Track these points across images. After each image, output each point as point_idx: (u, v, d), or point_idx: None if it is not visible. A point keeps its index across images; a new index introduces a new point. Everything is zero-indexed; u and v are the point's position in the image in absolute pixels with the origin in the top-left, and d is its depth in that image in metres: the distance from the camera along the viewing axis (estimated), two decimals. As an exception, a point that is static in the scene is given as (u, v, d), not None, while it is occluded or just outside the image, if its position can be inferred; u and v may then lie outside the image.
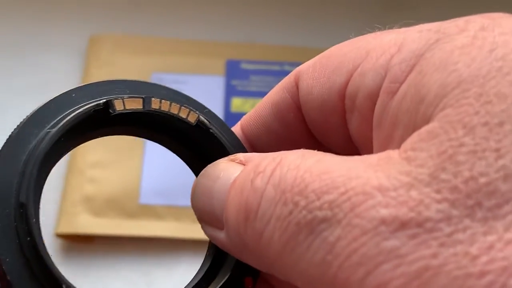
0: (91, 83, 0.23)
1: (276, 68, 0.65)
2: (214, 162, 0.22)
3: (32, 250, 0.20)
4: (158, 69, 0.65)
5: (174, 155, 0.26)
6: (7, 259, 0.20)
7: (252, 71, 0.65)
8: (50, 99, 0.22)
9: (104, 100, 0.22)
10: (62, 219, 0.57)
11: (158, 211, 0.59)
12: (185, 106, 0.23)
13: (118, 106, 0.22)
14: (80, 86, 0.22)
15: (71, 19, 0.69)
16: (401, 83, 0.19)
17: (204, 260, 0.24)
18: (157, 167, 0.61)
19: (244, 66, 0.65)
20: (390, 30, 0.21)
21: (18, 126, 0.21)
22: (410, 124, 0.18)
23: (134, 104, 0.22)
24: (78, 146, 0.23)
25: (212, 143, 0.24)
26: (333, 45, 0.22)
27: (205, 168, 0.22)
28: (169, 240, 0.59)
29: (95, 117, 0.22)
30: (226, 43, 0.67)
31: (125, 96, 0.22)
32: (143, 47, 0.66)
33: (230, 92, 0.64)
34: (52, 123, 0.21)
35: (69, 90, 0.22)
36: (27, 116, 0.21)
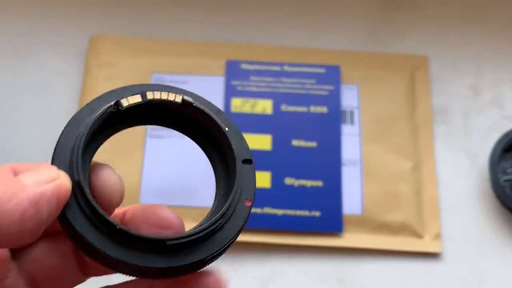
0: (107, 92, 0.31)
1: (276, 68, 0.65)
2: None
3: (90, 208, 0.28)
4: (158, 69, 0.65)
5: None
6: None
7: (252, 71, 0.65)
8: (83, 106, 0.31)
9: (114, 102, 0.30)
10: (62, 219, 0.57)
11: (158, 211, 0.59)
12: (172, 92, 0.31)
13: (124, 103, 0.30)
14: (99, 96, 0.31)
15: (71, 19, 0.69)
16: None
17: (215, 195, 0.32)
18: (157, 167, 0.61)
19: (244, 66, 0.65)
20: None
21: (67, 124, 0.30)
22: None
23: (135, 99, 0.30)
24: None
25: (202, 116, 0.31)
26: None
27: None
28: (169, 240, 0.59)
29: (111, 115, 0.30)
30: (226, 43, 0.67)
31: (128, 96, 0.30)
32: (143, 48, 0.66)
33: (230, 92, 0.64)
34: (84, 123, 0.30)
35: (93, 100, 0.31)
36: (70, 119, 0.30)
